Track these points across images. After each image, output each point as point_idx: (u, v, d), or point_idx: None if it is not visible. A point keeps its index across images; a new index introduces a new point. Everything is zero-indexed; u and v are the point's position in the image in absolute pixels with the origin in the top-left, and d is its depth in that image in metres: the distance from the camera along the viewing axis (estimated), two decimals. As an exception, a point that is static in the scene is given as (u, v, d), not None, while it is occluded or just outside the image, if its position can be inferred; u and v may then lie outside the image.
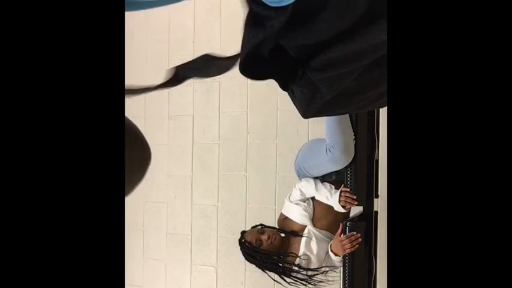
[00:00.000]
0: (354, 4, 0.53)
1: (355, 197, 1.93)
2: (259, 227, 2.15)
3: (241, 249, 2.10)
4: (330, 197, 1.99)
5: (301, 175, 2.12)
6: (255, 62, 0.56)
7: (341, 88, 0.58)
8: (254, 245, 2.04)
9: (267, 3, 0.50)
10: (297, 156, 2.16)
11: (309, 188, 2.05)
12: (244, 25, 0.57)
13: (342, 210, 1.95)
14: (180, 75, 0.57)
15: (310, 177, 2.08)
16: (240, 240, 2.11)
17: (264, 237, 2.04)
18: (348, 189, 1.94)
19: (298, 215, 2.06)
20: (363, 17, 0.53)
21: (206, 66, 0.62)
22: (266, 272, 2.09)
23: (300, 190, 2.08)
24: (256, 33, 0.53)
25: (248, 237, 2.09)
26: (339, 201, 1.94)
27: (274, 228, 2.16)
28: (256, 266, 2.10)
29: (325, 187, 2.03)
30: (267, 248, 2.03)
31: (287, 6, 0.48)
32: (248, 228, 2.21)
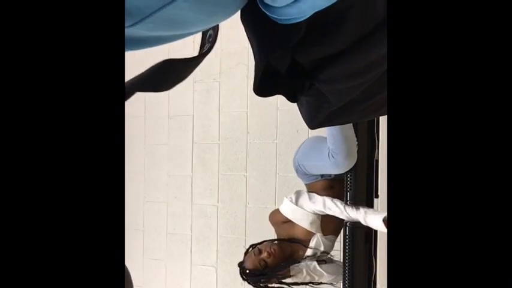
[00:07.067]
0: (374, 14, 0.51)
1: None
2: (250, 249, 2.01)
3: (249, 282, 1.95)
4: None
5: (300, 172, 2.09)
6: (268, 79, 0.55)
7: (349, 98, 0.58)
8: (260, 268, 1.90)
9: (278, 21, 0.47)
10: (297, 152, 2.11)
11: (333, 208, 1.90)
12: (252, 43, 0.54)
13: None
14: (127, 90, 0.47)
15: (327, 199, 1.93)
16: (242, 273, 1.95)
17: (264, 255, 1.91)
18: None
19: (308, 222, 1.95)
20: (376, 26, 0.52)
21: (163, 73, 0.53)
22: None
23: (314, 203, 1.93)
24: (271, 51, 0.51)
25: (249, 265, 1.93)
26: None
27: (264, 241, 2.02)
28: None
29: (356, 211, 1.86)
30: (274, 264, 1.90)
31: (300, 22, 0.46)
32: (248, 228, 2.18)
